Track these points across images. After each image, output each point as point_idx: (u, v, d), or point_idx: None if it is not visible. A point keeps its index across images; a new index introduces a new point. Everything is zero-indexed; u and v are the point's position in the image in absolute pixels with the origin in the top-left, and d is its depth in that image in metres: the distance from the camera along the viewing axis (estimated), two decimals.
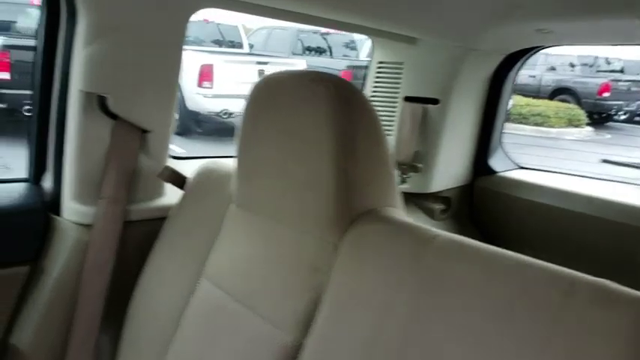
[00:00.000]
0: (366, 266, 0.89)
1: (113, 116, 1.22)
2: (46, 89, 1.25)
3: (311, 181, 0.95)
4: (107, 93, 1.19)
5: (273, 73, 1.05)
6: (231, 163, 1.25)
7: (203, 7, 1.26)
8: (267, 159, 1.02)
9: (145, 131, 1.27)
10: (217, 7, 1.31)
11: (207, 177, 1.25)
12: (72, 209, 1.25)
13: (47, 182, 1.30)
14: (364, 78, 1.85)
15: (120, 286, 1.24)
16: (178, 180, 1.31)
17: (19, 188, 1.31)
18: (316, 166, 0.94)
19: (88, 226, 1.24)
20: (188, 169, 1.33)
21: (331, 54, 8.17)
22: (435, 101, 1.70)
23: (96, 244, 1.23)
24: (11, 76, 5.46)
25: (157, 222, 1.27)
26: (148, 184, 1.32)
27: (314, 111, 0.94)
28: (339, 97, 0.93)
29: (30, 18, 6.84)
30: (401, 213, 0.99)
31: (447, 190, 1.88)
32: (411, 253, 0.85)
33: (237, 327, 1.02)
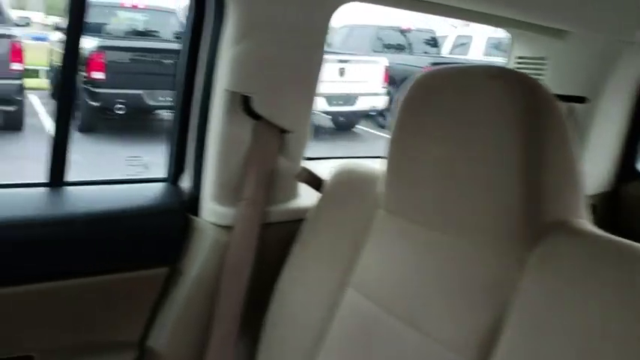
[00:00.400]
0: (564, 285, 0.79)
1: (255, 116, 1.18)
2: (188, 89, 1.23)
3: (490, 188, 0.86)
4: (252, 93, 1.16)
5: (438, 68, 0.97)
6: (371, 164, 1.19)
7: (346, 2, 1.20)
8: (430, 162, 0.93)
9: (283, 131, 1.22)
10: (360, 2, 1.24)
11: (346, 179, 1.18)
12: (211, 210, 1.23)
13: (185, 182, 1.28)
14: None
15: (258, 289, 1.20)
16: (315, 181, 1.26)
17: (158, 188, 1.30)
18: (498, 173, 0.85)
19: (226, 228, 1.21)
20: (321, 170, 1.28)
21: (411, 51, 8.00)
22: (581, 99, 1.56)
23: (235, 245, 1.20)
24: (105, 75, 5.68)
25: (293, 224, 1.23)
26: (285, 186, 1.28)
27: (494, 111, 0.85)
28: (524, 95, 0.84)
29: (120, 20, 7.13)
30: (593, 226, 0.88)
31: (591, 196, 1.73)
32: (623, 272, 0.75)
33: (397, 344, 0.94)
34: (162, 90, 5.75)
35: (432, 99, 0.93)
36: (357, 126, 7.45)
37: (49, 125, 6.06)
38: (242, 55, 1.13)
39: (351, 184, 1.16)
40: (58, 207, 1.18)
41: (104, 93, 5.66)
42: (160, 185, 1.30)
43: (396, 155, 0.99)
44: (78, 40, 1.14)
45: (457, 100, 0.90)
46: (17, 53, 5.52)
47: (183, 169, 1.29)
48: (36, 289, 1.11)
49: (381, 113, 7.14)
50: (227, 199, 1.21)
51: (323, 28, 1.18)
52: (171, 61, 5.62)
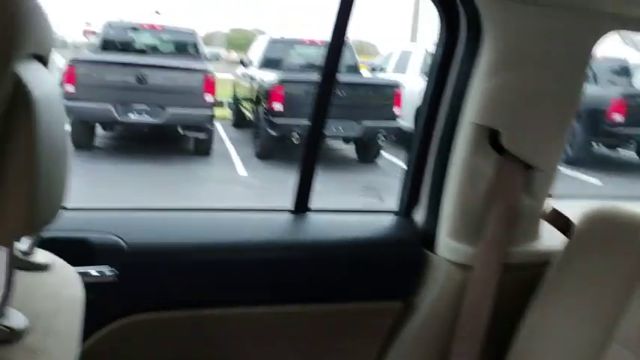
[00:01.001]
0: None
1: (499, 151, 1.13)
2: (430, 121, 1.21)
3: None
4: (501, 127, 1.10)
5: None
6: (632, 207, 1.07)
7: (610, 30, 1.10)
8: None
9: (528, 167, 1.15)
10: (624, 30, 1.13)
11: (605, 223, 1.08)
12: (448, 246, 1.18)
13: (419, 216, 1.26)
14: None
15: (496, 334, 1.13)
16: (563, 223, 1.16)
17: (391, 220, 1.29)
18: None
19: (463, 266, 1.16)
20: (564, 210, 1.18)
21: (596, 81, 7.36)
22: None
23: (474, 286, 1.14)
24: (283, 107, 6.02)
25: (536, 267, 1.15)
26: (528, 226, 1.20)
27: None
28: None
29: (296, 54, 7.58)
30: None
31: None
32: None
33: None
34: (335, 120, 5.94)
35: None
36: None
37: (232, 151, 6.57)
38: (495, 88, 1.09)
39: (610, 229, 1.06)
40: (300, 233, 1.23)
41: (283, 123, 5.97)
42: (391, 217, 1.30)
43: None
44: (333, 78, 1.19)
45: None
46: (210, 85, 6.09)
47: (417, 202, 1.27)
48: (278, 311, 1.16)
49: None
50: (465, 235, 1.17)
51: (585, 58, 1.10)
52: (344, 93, 5.76)
